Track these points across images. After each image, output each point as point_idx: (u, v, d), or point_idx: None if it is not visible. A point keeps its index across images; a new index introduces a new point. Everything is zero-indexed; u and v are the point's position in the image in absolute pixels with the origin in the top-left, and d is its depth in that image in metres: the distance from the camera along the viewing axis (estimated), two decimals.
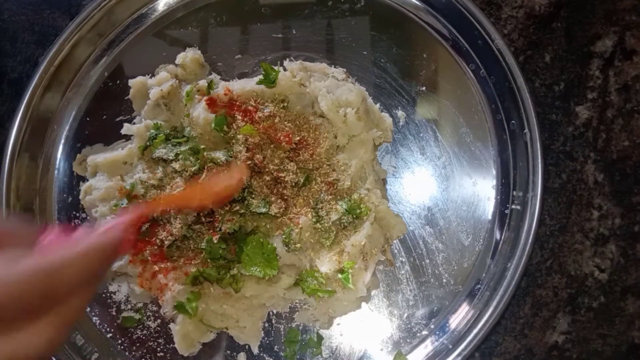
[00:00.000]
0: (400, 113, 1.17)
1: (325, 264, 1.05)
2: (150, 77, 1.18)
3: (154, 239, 1.07)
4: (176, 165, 1.08)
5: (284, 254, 1.05)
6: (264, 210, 1.05)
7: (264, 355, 1.08)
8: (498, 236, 1.10)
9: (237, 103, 1.12)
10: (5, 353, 0.48)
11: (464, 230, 1.11)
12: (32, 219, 1.18)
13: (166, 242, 1.05)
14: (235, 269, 1.05)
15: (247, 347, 1.08)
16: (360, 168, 1.10)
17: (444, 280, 1.09)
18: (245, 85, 1.13)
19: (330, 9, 1.22)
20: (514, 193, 1.10)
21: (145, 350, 1.10)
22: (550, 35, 1.21)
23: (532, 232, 1.05)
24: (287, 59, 1.18)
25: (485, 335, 1.04)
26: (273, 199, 1.06)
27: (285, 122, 1.10)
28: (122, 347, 1.10)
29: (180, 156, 1.08)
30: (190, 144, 1.10)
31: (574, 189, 1.15)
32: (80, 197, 1.17)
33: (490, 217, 1.11)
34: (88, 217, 1.17)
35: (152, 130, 1.13)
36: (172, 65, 1.19)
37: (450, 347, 1.05)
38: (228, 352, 1.09)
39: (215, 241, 1.03)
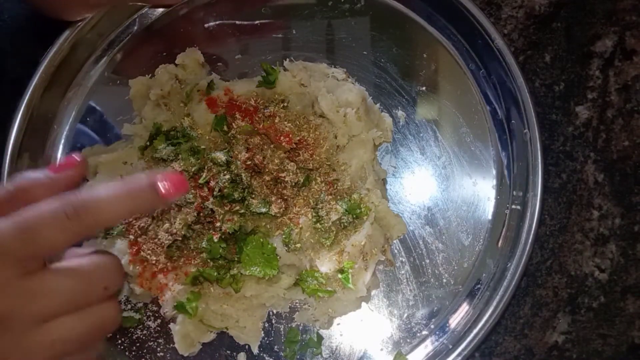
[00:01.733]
0: (400, 113, 1.17)
1: (325, 264, 1.05)
2: (150, 77, 1.18)
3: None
4: (176, 165, 1.08)
5: (284, 254, 1.05)
6: (264, 210, 1.05)
7: (264, 355, 1.08)
8: (498, 236, 1.10)
9: (237, 103, 1.12)
10: (92, 321, 0.67)
11: (464, 230, 1.11)
12: None
13: (166, 242, 1.05)
14: (235, 269, 1.04)
15: (247, 347, 1.08)
16: (360, 168, 1.10)
17: (444, 280, 1.09)
18: (245, 85, 1.13)
19: (330, 9, 1.22)
20: (514, 193, 1.10)
21: (145, 350, 1.10)
22: (550, 35, 1.21)
23: (532, 232, 1.05)
24: (287, 59, 1.18)
25: (485, 335, 1.04)
26: (273, 199, 1.06)
27: (285, 122, 1.10)
28: (122, 347, 1.10)
29: (180, 156, 1.08)
30: (190, 144, 1.10)
31: (574, 189, 1.15)
32: None
33: (490, 217, 1.11)
34: None
35: (152, 130, 1.13)
36: (172, 65, 1.19)
37: (450, 347, 1.05)
38: (228, 352, 1.09)
39: (215, 240, 1.03)
